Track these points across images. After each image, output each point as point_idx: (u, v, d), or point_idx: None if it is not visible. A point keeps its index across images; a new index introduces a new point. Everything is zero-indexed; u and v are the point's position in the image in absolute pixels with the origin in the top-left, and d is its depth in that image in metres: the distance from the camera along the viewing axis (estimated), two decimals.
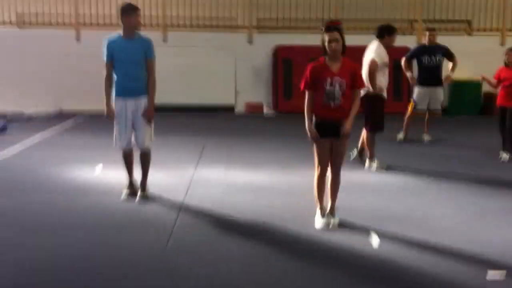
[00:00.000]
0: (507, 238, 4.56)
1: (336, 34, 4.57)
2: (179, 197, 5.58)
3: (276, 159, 7.50)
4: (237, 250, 4.26)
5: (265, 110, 12.23)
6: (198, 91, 12.23)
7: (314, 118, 4.70)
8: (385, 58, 6.79)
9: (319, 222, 4.76)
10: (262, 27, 12.93)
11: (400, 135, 8.88)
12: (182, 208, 5.24)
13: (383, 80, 6.74)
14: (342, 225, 4.75)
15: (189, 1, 12.34)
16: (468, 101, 12.28)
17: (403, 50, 9.38)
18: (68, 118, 10.77)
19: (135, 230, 4.68)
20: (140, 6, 12.36)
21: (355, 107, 4.70)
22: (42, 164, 6.95)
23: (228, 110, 12.32)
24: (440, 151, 8.18)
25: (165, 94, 12.20)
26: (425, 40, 8.84)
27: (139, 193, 5.55)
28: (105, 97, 5.45)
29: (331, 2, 12.47)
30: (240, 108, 12.44)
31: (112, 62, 5.40)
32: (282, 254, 4.19)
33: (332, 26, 4.66)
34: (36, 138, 8.76)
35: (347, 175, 6.10)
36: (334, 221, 4.74)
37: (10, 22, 12.24)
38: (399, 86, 11.88)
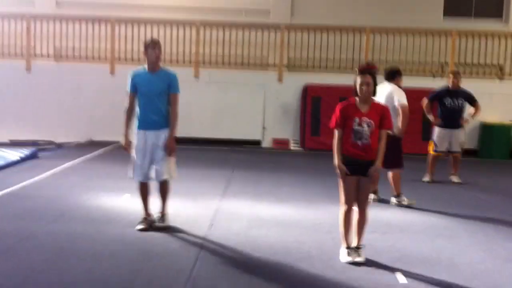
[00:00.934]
0: None
1: (368, 78, 4.66)
2: (202, 229, 5.58)
3: (302, 194, 7.46)
4: (261, 285, 4.20)
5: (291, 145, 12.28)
6: (227, 126, 12.42)
7: (342, 156, 4.72)
8: None
9: (344, 258, 4.70)
10: (292, 66, 13.09)
11: (426, 177, 8.80)
12: (205, 240, 5.23)
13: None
14: (368, 263, 4.66)
15: (222, 39, 12.61)
16: (498, 144, 12.14)
17: None
18: (98, 148, 10.96)
19: (158, 261, 4.65)
20: (174, 43, 12.92)
21: (382, 147, 4.73)
22: (70, 191, 7.06)
23: (255, 144, 12.41)
24: (468, 194, 8.03)
25: (195, 128, 12.50)
26: (449, 83, 8.82)
27: (158, 223, 5.54)
28: (123, 127, 5.52)
29: (362, 43, 12.58)
30: (267, 143, 12.51)
31: (135, 94, 5.50)
32: None
33: (366, 70, 4.72)
34: (65, 166, 8.93)
35: (374, 213, 6.05)
36: (360, 258, 4.67)
37: (48, 56, 12.66)
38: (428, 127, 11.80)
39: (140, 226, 5.49)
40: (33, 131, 12.08)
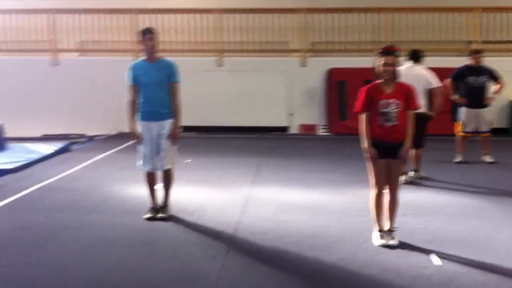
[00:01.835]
0: None
1: (391, 59, 4.61)
2: (234, 216, 5.64)
3: (331, 179, 7.46)
4: (294, 269, 4.25)
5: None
6: (253, 113, 12.44)
7: (371, 139, 4.70)
8: None
9: (377, 241, 4.71)
10: (315, 51, 13.00)
11: (457, 158, 8.68)
12: (236, 227, 5.29)
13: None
14: (401, 246, 4.66)
15: (244, 27, 12.59)
16: None
17: None
18: (128, 140, 11.08)
19: (192, 248, 4.73)
20: (197, 32, 12.91)
21: (410, 128, 4.69)
22: (103, 183, 7.21)
23: (281, 131, 12.42)
24: (500, 173, 7.91)
25: (221, 116, 12.56)
26: (470, 61, 8.57)
27: (159, 213, 5.54)
28: (129, 120, 5.53)
29: (385, 24, 12.42)
30: (293, 129, 12.50)
31: (135, 85, 5.49)
32: (340, 273, 4.15)
33: (389, 51, 4.67)
34: (97, 158, 9.10)
35: (406, 196, 6.03)
36: (394, 241, 4.67)
37: (73, 49, 12.81)
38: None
39: (148, 215, 5.53)
40: (64, 125, 12.29)
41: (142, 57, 5.60)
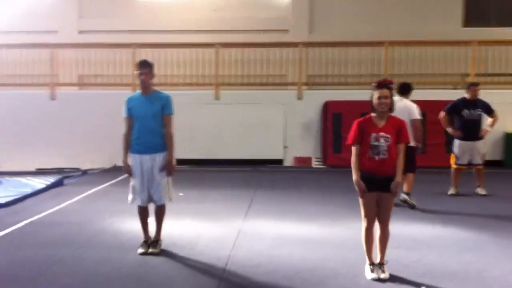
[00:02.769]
0: None
1: (386, 92, 4.66)
2: (226, 250, 5.60)
3: (326, 212, 7.43)
4: None
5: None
6: (249, 146, 12.48)
7: (360, 172, 4.71)
8: None
9: (369, 275, 4.66)
10: (312, 83, 13.13)
11: (451, 191, 8.69)
12: (229, 261, 5.24)
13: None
14: (394, 279, 4.62)
15: (241, 60, 12.74)
16: None
17: None
18: (122, 173, 11.08)
19: (183, 284, 4.69)
20: (194, 66, 13.07)
21: (401, 161, 4.71)
22: (96, 217, 7.17)
23: (277, 163, 12.42)
24: (495, 206, 7.88)
25: (217, 149, 12.60)
26: (467, 94, 8.67)
27: (150, 249, 5.49)
28: (123, 152, 5.52)
29: (382, 57, 12.58)
30: (288, 162, 12.51)
31: (131, 118, 5.49)
32: None
33: (384, 84, 4.72)
34: (91, 192, 9.07)
35: (400, 229, 6.00)
36: (384, 275, 4.63)
37: (72, 83, 12.94)
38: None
39: (141, 250, 5.48)
40: (59, 158, 12.33)
41: (139, 90, 5.64)
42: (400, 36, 12.80)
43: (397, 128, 4.72)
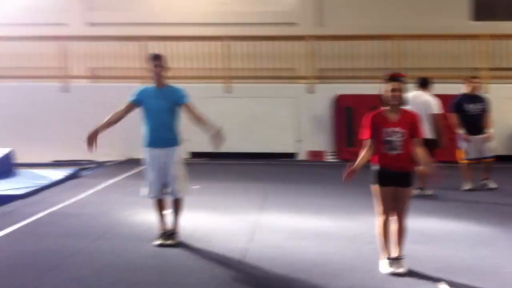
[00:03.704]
0: None
1: (399, 85, 4.64)
2: (242, 243, 5.65)
3: (340, 205, 7.47)
4: None
5: None
6: (261, 139, 12.48)
7: (377, 166, 4.73)
8: None
9: (385, 269, 4.69)
10: (322, 77, 13.11)
11: (466, 186, 8.63)
12: (245, 254, 5.29)
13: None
14: (410, 274, 4.64)
15: (252, 53, 12.74)
16: None
17: None
18: (137, 165, 11.15)
19: (200, 275, 4.73)
20: (205, 59, 13.09)
21: (421, 153, 4.67)
22: (112, 209, 7.25)
23: (289, 157, 12.45)
24: (508, 201, 7.86)
25: (230, 143, 12.54)
26: (468, 89, 8.60)
27: (167, 240, 5.52)
28: (99, 125, 5.60)
29: (392, 51, 12.53)
30: (301, 155, 12.53)
31: (133, 105, 5.55)
32: None
33: (396, 76, 4.72)
34: (107, 184, 9.16)
35: (415, 224, 6.01)
36: (402, 270, 4.65)
37: (84, 76, 12.99)
38: None
39: (158, 242, 5.54)
40: (75, 151, 12.35)
41: (152, 83, 5.63)
42: (409, 30, 12.71)
43: (411, 122, 4.68)
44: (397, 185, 4.67)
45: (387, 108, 4.70)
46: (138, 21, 13.74)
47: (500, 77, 12.39)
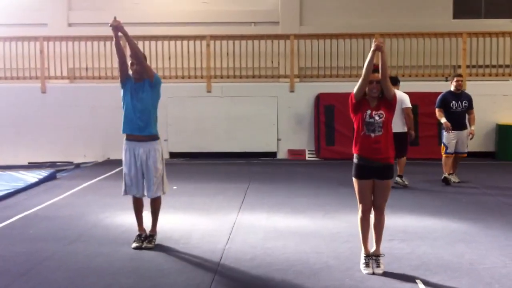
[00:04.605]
0: None
1: (377, 76, 4.63)
2: (220, 243, 5.60)
3: (319, 204, 7.44)
4: None
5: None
6: (242, 138, 12.42)
7: (356, 159, 4.72)
8: None
9: (364, 270, 4.67)
10: (303, 76, 13.10)
11: (452, 178, 8.88)
12: (223, 254, 5.24)
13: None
14: (388, 272, 4.64)
15: (232, 52, 12.67)
16: None
17: None
18: (115, 167, 11.04)
19: (177, 277, 4.68)
20: (185, 58, 13.01)
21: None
22: (88, 211, 7.13)
23: (271, 156, 12.42)
24: (487, 197, 7.92)
25: (210, 142, 12.56)
26: (452, 86, 8.87)
27: (144, 243, 5.45)
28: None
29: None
30: (282, 154, 12.50)
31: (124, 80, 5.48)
32: None
33: (375, 69, 4.70)
34: (83, 186, 9.02)
35: (393, 220, 6.02)
36: (379, 270, 4.63)
37: (62, 76, 12.81)
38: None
39: (135, 245, 5.46)
40: (52, 152, 12.23)
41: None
42: (391, 28, 12.78)
43: (389, 102, 4.69)
44: (377, 177, 4.67)
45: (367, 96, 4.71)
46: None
47: (483, 75, 12.50)
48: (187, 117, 12.43)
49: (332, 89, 12.30)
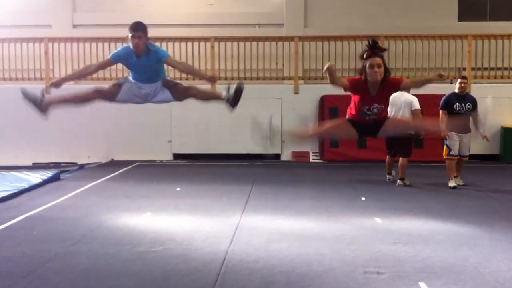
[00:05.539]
0: None
1: (379, 60, 4.56)
2: (223, 245, 5.58)
3: (322, 206, 7.41)
4: None
5: None
6: (246, 140, 12.40)
7: (349, 119, 4.88)
8: None
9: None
10: (307, 78, 13.09)
11: (451, 183, 8.73)
12: (226, 257, 5.22)
13: None
14: (391, 274, 4.61)
15: (237, 54, 12.68)
16: None
17: None
18: (119, 168, 11.06)
19: (179, 280, 4.66)
20: (189, 60, 13.00)
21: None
22: (92, 212, 7.13)
23: (275, 158, 12.40)
24: (491, 200, 7.89)
25: (213, 144, 12.56)
26: (456, 88, 8.81)
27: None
28: (68, 74, 5.62)
29: None
30: (286, 156, 12.48)
31: (111, 64, 5.69)
32: None
33: (377, 50, 4.59)
34: (87, 186, 9.03)
35: (395, 223, 6.00)
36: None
37: None
38: None
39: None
40: (56, 153, 12.26)
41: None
42: (395, 30, 12.76)
43: (390, 90, 4.67)
44: (368, 135, 4.93)
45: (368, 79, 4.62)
46: (122, 22, 13.57)
47: (487, 77, 12.46)
48: (191, 118, 12.44)
49: (336, 91, 12.02)
